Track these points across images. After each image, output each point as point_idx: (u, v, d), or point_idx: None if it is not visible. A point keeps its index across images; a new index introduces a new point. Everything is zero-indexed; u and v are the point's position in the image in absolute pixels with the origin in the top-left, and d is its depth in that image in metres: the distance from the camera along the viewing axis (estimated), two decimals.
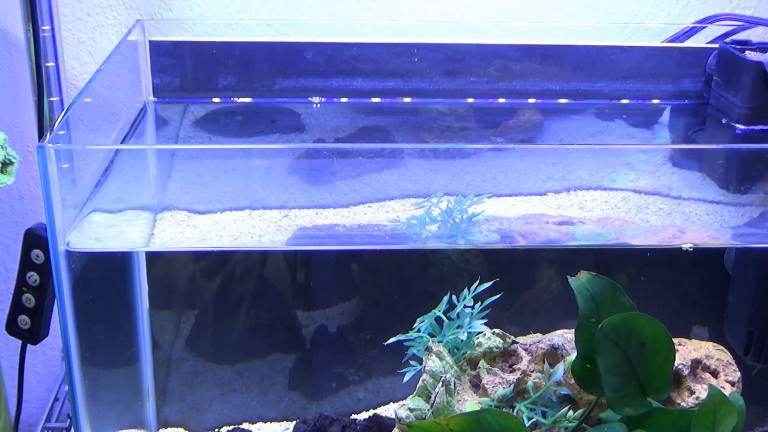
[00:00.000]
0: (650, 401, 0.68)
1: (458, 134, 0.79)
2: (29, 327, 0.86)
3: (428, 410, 0.73)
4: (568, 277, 0.68)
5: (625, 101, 0.85)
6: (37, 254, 0.84)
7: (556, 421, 0.73)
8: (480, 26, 0.90)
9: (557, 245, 0.68)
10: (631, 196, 0.70)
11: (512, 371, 0.77)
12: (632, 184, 0.70)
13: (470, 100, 0.84)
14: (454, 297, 0.77)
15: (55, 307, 0.65)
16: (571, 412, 0.73)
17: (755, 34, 0.92)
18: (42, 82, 0.92)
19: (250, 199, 0.69)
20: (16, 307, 0.86)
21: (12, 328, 0.87)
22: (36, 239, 0.83)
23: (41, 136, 0.95)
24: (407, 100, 0.83)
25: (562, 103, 0.84)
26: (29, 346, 1.09)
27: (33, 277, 0.84)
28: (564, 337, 0.78)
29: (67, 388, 0.96)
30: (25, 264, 0.84)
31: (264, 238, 0.68)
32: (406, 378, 0.77)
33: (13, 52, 0.98)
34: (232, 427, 0.99)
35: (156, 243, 0.69)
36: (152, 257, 0.88)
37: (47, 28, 0.91)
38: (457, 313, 0.77)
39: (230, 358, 0.97)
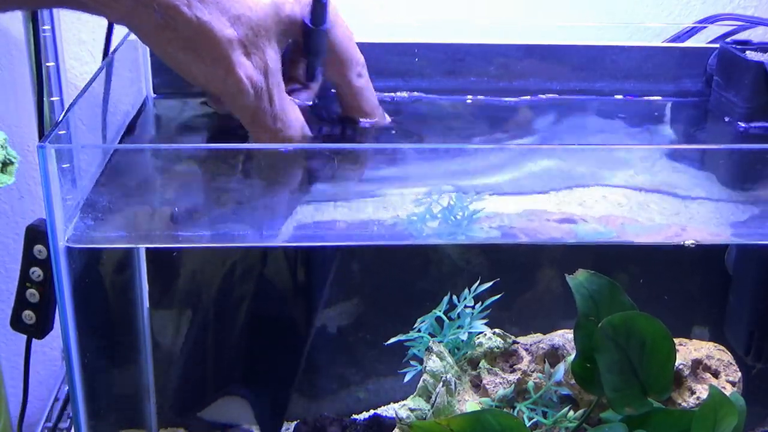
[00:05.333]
0: (651, 401, 0.68)
1: (459, 132, 0.80)
2: (34, 322, 0.87)
3: (429, 410, 0.73)
4: (566, 275, 0.68)
5: (625, 100, 0.85)
6: (39, 249, 0.84)
7: (557, 421, 0.73)
8: (480, 26, 0.90)
9: (558, 242, 0.68)
10: (632, 195, 0.70)
11: (513, 371, 0.77)
12: (633, 183, 0.70)
13: (471, 99, 0.84)
14: (454, 297, 0.77)
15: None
16: (571, 412, 0.73)
17: (756, 34, 0.92)
18: (42, 82, 0.92)
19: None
20: (21, 303, 0.86)
21: (17, 324, 0.88)
22: (38, 235, 0.84)
23: (41, 136, 0.95)
24: (407, 95, 0.83)
25: (562, 103, 0.84)
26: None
27: (36, 272, 0.85)
28: (565, 337, 0.78)
29: (67, 388, 0.96)
30: (28, 260, 0.85)
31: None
32: (407, 378, 0.77)
33: (13, 52, 0.98)
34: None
35: (156, 240, 0.69)
36: (152, 256, 0.88)
37: (47, 27, 0.91)
38: (458, 313, 0.77)
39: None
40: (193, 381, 0.94)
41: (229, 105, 0.61)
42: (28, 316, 0.87)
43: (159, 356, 0.92)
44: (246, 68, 0.57)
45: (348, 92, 0.69)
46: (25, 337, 0.98)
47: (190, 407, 0.92)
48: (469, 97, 0.84)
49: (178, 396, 0.92)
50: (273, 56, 0.58)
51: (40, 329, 0.88)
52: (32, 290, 0.85)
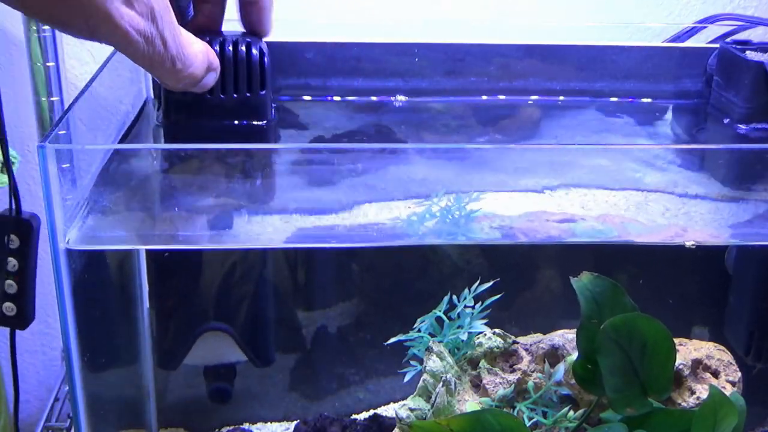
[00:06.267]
0: (651, 401, 0.68)
1: (459, 132, 0.80)
2: (15, 313, 0.86)
3: (429, 410, 0.73)
4: (570, 278, 0.68)
5: (625, 100, 0.85)
6: (11, 239, 0.83)
7: (557, 421, 0.73)
8: (480, 26, 0.90)
9: (558, 242, 0.68)
10: (632, 195, 0.70)
11: (513, 371, 0.77)
12: (633, 182, 0.70)
13: (471, 99, 0.84)
14: (454, 297, 0.77)
15: (56, 306, 0.65)
16: (571, 412, 0.73)
17: (756, 34, 0.92)
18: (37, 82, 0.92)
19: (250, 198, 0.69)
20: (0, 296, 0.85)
21: None
22: (8, 224, 0.83)
23: (41, 136, 0.95)
24: (406, 98, 0.83)
25: (562, 103, 0.84)
26: (28, 347, 1.09)
27: (11, 262, 0.84)
28: (564, 337, 0.78)
29: (67, 388, 0.96)
30: (2, 251, 0.84)
31: (264, 237, 0.68)
32: (407, 378, 0.77)
33: (13, 52, 0.98)
34: (232, 427, 0.99)
35: (156, 242, 0.69)
36: (152, 256, 0.88)
37: (48, 27, 0.91)
38: (458, 313, 0.77)
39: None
40: (171, 329, 0.93)
41: (126, 55, 0.59)
42: (9, 307, 0.86)
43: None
44: (130, 18, 0.55)
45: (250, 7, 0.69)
46: (20, 336, 0.98)
47: (173, 358, 0.91)
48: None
49: (160, 347, 0.92)
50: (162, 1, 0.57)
51: (22, 319, 0.87)
52: (10, 281, 0.84)
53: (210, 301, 0.91)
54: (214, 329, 0.90)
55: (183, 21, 0.68)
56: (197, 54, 0.62)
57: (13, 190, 0.83)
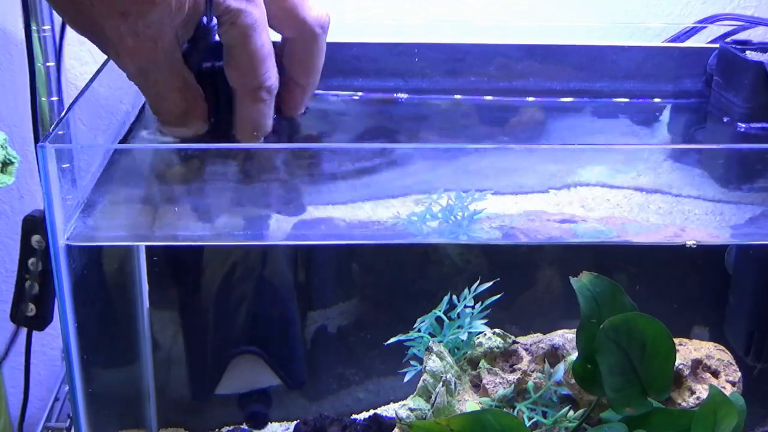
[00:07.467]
0: (651, 401, 0.68)
1: (460, 132, 0.80)
2: (35, 314, 0.86)
3: (429, 410, 0.73)
4: (570, 277, 0.68)
5: (625, 100, 0.85)
6: (37, 240, 0.84)
7: (557, 421, 0.73)
8: (480, 26, 0.90)
9: (559, 242, 0.68)
10: (633, 195, 0.70)
11: (513, 371, 0.77)
12: (633, 182, 0.70)
13: (471, 98, 0.84)
14: (454, 297, 0.77)
15: (56, 306, 0.65)
16: (571, 412, 0.73)
17: (756, 34, 0.92)
18: (35, 82, 0.92)
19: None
20: (20, 296, 0.86)
21: (17, 316, 0.87)
22: (35, 225, 0.83)
23: (41, 136, 0.95)
24: (406, 96, 0.83)
25: (563, 102, 0.84)
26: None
27: (34, 263, 0.84)
28: (564, 337, 0.78)
29: (67, 388, 0.96)
30: (26, 251, 0.84)
31: (266, 234, 0.68)
32: (407, 378, 0.77)
33: (13, 52, 0.98)
34: (232, 427, 0.99)
35: (156, 238, 0.69)
36: (152, 254, 0.87)
37: (47, 27, 0.91)
38: (458, 313, 0.77)
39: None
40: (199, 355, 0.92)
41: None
42: (29, 308, 0.86)
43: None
44: (134, 55, 0.61)
45: (240, 111, 0.67)
46: (24, 337, 0.98)
47: (205, 387, 0.90)
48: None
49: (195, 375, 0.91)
50: (167, 47, 0.62)
51: (40, 321, 0.87)
52: (32, 282, 0.85)
53: (229, 324, 0.91)
54: (244, 352, 0.89)
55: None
56: (177, 115, 0.66)
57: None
